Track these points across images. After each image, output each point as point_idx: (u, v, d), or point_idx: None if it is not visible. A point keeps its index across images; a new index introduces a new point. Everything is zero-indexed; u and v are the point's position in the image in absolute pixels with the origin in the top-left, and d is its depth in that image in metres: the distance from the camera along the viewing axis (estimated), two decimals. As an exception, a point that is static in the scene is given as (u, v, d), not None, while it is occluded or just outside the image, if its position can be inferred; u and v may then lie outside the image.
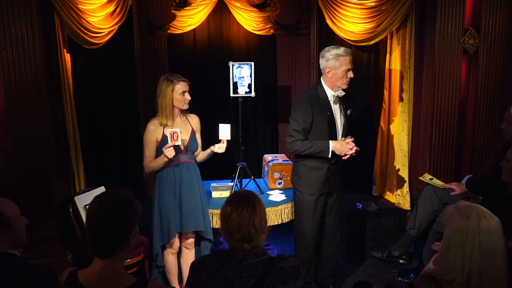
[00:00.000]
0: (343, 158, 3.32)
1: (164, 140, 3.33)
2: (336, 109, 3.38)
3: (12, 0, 3.36)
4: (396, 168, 4.57)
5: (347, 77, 3.30)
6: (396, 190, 4.57)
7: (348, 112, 3.44)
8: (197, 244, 3.66)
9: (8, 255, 2.13)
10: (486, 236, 1.80)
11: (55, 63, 3.77)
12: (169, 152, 3.24)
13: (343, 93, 3.37)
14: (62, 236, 3.73)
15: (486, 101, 4.10)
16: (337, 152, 3.29)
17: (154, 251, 3.50)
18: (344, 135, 3.40)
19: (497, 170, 3.07)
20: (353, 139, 3.32)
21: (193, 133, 3.47)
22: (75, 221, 3.58)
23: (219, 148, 3.46)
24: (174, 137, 3.23)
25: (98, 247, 1.78)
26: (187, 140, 3.42)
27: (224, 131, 3.50)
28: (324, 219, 3.56)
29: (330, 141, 3.31)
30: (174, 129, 3.25)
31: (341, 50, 3.29)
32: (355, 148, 3.29)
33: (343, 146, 3.29)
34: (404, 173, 4.51)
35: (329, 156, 3.31)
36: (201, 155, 3.59)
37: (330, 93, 3.35)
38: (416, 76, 4.34)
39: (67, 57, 3.91)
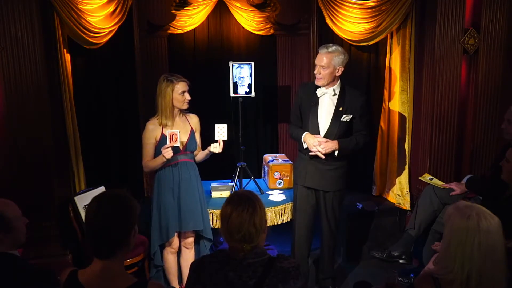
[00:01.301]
0: (310, 153, 3.38)
1: (162, 140, 3.33)
2: (323, 105, 3.40)
3: (12, 0, 3.36)
4: (396, 168, 4.57)
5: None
6: (396, 190, 4.57)
7: (344, 117, 3.38)
8: (196, 243, 3.67)
9: (8, 255, 2.13)
10: (486, 236, 1.80)
11: (55, 63, 3.77)
12: (167, 153, 3.24)
13: (333, 93, 3.38)
14: (62, 236, 3.73)
15: (486, 101, 4.10)
16: (306, 144, 3.38)
17: (152, 250, 3.50)
18: (333, 136, 3.37)
19: (497, 170, 3.07)
20: (326, 140, 3.32)
21: (192, 133, 3.47)
22: (75, 221, 3.58)
23: (215, 147, 3.46)
24: (173, 139, 3.24)
25: (98, 248, 1.78)
26: (186, 140, 3.42)
27: (220, 131, 3.50)
28: (317, 217, 3.59)
29: (305, 132, 3.41)
30: (174, 131, 3.26)
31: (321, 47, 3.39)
32: (320, 147, 3.30)
33: (310, 140, 3.35)
34: (404, 173, 4.51)
35: (303, 146, 3.42)
36: (200, 155, 3.59)
37: (320, 88, 3.40)
38: (416, 76, 4.33)
39: (67, 57, 3.91)
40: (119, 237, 1.77)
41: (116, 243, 1.77)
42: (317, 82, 3.38)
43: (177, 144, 3.27)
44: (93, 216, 1.77)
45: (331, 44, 3.39)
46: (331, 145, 3.32)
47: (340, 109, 3.38)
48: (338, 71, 3.35)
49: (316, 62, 3.36)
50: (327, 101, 3.40)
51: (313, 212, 3.58)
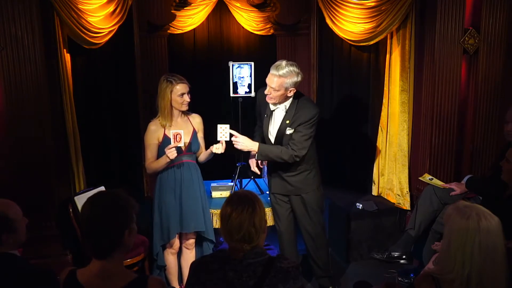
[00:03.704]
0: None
1: (165, 140, 3.32)
2: (275, 118, 3.38)
3: (12, 0, 3.36)
4: (396, 168, 4.57)
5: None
6: (396, 190, 4.57)
7: (287, 130, 3.32)
8: (198, 244, 3.67)
9: (9, 255, 2.13)
10: (486, 236, 1.80)
11: (55, 63, 3.76)
12: (171, 153, 3.23)
13: (284, 109, 3.32)
14: (62, 236, 3.73)
15: (486, 101, 4.10)
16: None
17: (154, 251, 3.50)
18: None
19: (497, 170, 3.07)
20: (243, 137, 3.37)
21: (194, 133, 3.46)
22: (75, 221, 3.58)
23: (217, 148, 3.42)
24: (177, 139, 3.22)
25: (94, 248, 1.78)
26: (188, 140, 3.41)
27: (223, 132, 3.43)
28: (293, 221, 3.62)
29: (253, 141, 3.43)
30: (178, 131, 3.24)
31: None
32: (237, 139, 3.35)
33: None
34: (404, 173, 4.50)
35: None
36: (203, 155, 3.57)
37: None
38: (416, 76, 4.33)
39: (67, 57, 3.91)
40: (112, 237, 1.76)
41: (110, 244, 1.76)
42: (268, 101, 3.32)
43: (181, 144, 3.26)
44: (86, 217, 1.77)
45: (284, 64, 3.21)
46: (248, 144, 3.33)
47: (287, 122, 3.33)
48: (290, 92, 3.25)
49: (267, 81, 3.24)
50: (278, 114, 3.38)
51: (292, 216, 3.59)
